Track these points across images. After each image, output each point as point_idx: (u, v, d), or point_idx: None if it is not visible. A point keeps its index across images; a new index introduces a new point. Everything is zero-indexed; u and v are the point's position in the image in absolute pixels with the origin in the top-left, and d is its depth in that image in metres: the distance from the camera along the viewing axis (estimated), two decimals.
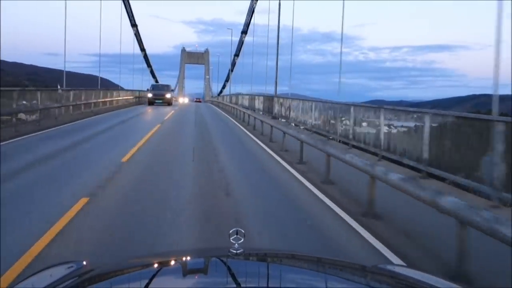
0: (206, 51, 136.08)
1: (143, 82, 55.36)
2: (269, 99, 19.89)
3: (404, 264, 4.04)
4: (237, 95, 36.15)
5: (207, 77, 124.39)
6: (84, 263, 1.80)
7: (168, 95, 36.82)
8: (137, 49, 55.66)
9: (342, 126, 9.59)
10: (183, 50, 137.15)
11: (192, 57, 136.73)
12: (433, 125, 6.42)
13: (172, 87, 41.06)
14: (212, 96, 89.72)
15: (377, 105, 8.57)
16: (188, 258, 1.90)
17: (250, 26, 49.10)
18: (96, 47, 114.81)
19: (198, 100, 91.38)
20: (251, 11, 48.85)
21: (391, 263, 3.97)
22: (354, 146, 8.56)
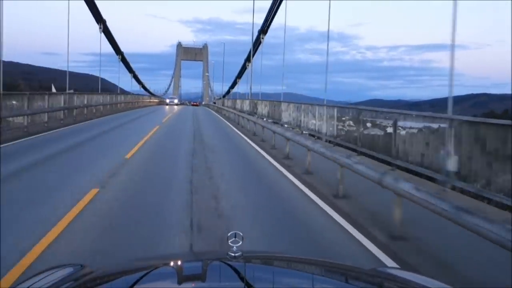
0: (205, 47, 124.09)
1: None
2: None
3: (398, 266, 4.05)
4: (274, 102, 18.99)
5: (207, 74, 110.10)
6: (83, 266, 1.80)
7: None
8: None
9: None
10: (179, 45, 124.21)
11: (189, 53, 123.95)
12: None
13: None
14: (215, 98, 73.26)
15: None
16: (187, 261, 1.89)
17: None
18: (92, 46, 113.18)
19: (195, 104, 79.32)
20: None
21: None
22: None
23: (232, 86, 59.11)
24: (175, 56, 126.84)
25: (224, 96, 61.79)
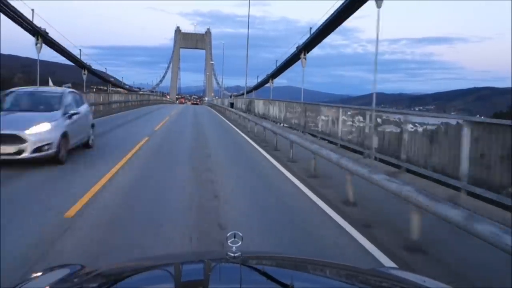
0: (208, 32, 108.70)
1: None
2: None
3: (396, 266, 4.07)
4: None
5: (211, 62, 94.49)
6: (83, 266, 1.81)
7: None
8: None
9: None
10: (178, 30, 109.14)
11: (189, 40, 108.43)
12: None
13: None
14: (232, 97, 50.46)
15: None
16: (186, 261, 1.91)
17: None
18: (93, 39, 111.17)
19: (195, 102, 69.59)
20: None
21: None
22: None
23: (276, 74, 35.79)
24: (173, 44, 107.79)
25: (251, 91, 41.76)
